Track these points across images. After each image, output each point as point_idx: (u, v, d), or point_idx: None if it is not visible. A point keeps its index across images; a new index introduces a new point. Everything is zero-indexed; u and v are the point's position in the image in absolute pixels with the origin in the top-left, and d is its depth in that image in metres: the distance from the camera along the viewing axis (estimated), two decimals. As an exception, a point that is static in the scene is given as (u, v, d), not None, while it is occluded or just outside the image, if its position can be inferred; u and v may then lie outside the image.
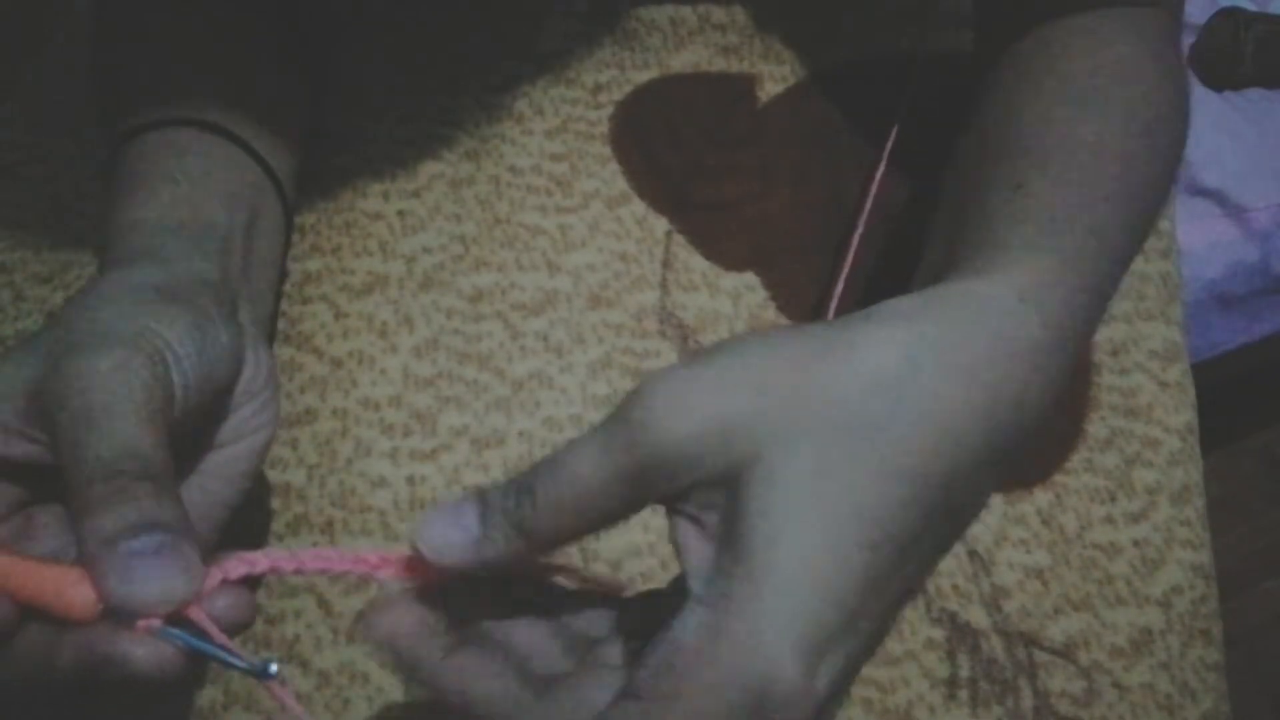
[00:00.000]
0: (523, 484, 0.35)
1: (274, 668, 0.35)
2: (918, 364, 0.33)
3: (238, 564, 0.37)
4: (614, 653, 0.37)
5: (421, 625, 0.36)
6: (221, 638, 0.35)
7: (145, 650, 0.33)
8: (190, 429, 0.41)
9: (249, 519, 0.53)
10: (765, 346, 0.34)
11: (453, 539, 0.35)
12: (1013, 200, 0.44)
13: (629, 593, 0.41)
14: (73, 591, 0.34)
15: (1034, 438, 0.37)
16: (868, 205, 0.61)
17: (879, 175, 0.62)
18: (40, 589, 0.34)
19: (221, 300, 0.44)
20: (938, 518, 0.34)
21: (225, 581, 0.36)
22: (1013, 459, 0.36)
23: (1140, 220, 0.46)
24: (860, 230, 0.60)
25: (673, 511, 0.34)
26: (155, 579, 0.33)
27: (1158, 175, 0.48)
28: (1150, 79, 0.50)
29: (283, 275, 0.57)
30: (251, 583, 0.37)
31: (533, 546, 0.35)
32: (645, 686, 0.32)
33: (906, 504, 0.33)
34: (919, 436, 0.33)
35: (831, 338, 0.34)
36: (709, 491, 0.33)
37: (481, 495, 0.35)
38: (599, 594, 0.40)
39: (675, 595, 0.34)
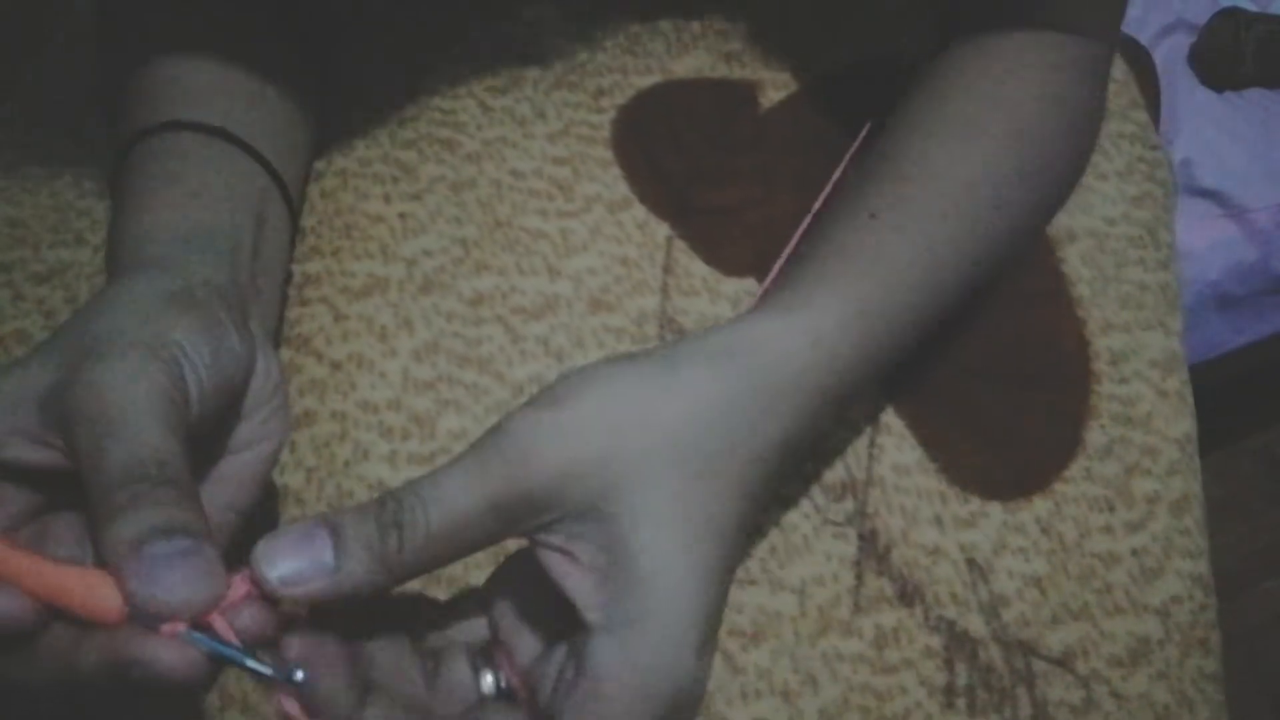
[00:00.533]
0: (386, 516, 0.36)
1: (300, 674, 0.35)
2: (738, 404, 0.40)
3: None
4: (462, 668, 0.40)
5: (337, 676, 0.36)
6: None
7: (172, 654, 0.33)
8: (204, 435, 0.41)
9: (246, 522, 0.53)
10: (612, 387, 0.39)
11: (304, 570, 0.35)
12: (862, 229, 0.48)
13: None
14: (100, 594, 0.34)
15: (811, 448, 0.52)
16: (824, 193, 0.62)
17: (843, 166, 0.63)
18: (67, 591, 0.34)
19: (232, 305, 0.44)
20: (750, 517, 0.40)
21: (250, 595, 0.36)
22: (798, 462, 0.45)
23: (988, 256, 0.51)
24: (810, 218, 0.62)
25: (538, 545, 0.38)
26: (180, 583, 0.34)
27: (1026, 210, 0.52)
28: (1040, 118, 0.52)
29: (287, 281, 0.57)
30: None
31: (396, 578, 0.36)
32: (574, 717, 0.35)
33: (741, 513, 0.39)
34: (741, 461, 0.39)
35: (669, 380, 0.39)
36: (574, 524, 0.37)
37: (331, 523, 0.36)
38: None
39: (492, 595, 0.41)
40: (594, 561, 0.37)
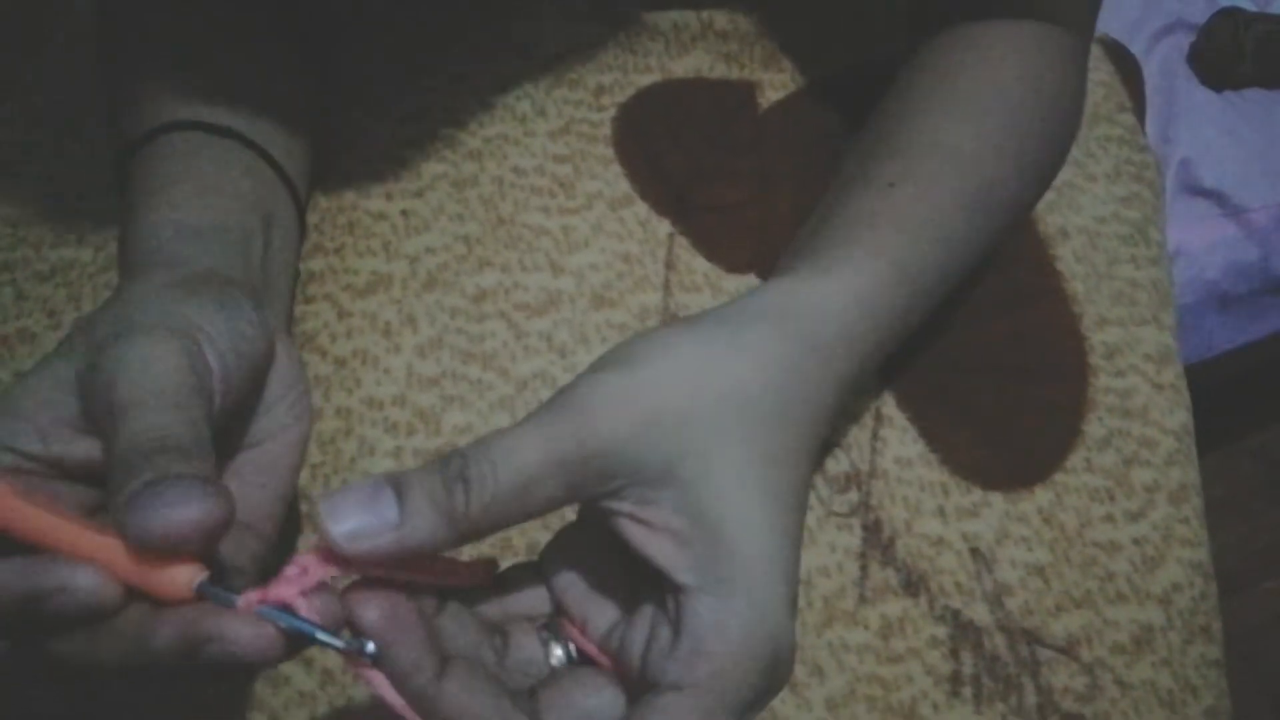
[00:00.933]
0: (453, 470, 0.35)
1: (371, 646, 0.35)
2: (800, 364, 0.40)
3: (320, 563, 0.36)
4: (531, 641, 0.40)
5: (415, 645, 0.36)
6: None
7: (250, 630, 0.33)
8: (237, 410, 0.41)
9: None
10: (681, 350, 0.39)
11: (369, 526, 0.34)
12: (879, 198, 0.49)
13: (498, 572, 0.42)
14: (171, 569, 0.34)
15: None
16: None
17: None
18: (139, 568, 0.34)
19: (245, 291, 0.44)
20: (811, 475, 0.41)
21: (322, 584, 0.35)
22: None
23: (992, 224, 0.52)
24: None
25: (610, 514, 0.37)
26: (166, 505, 0.33)
27: (1022, 186, 0.54)
28: (1032, 99, 0.54)
29: (296, 279, 0.57)
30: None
31: (461, 536, 0.35)
32: (684, 677, 0.35)
33: (807, 470, 0.40)
34: (804, 419, 0.40)
35: (735, 341, 0.40)
36: (645, 489, 0.36)
37: (396, 480, 0.35)
38: (474, 581, 0.40)
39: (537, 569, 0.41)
40: (670, 524, 0.36)
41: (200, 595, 0.34)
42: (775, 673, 0.36)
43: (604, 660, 0.38)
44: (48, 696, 0.39)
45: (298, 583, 0.35)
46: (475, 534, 0.36)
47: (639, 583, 0.38)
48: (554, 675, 0.39)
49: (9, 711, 0.44)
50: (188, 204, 0.48)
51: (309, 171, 0.58)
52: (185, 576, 0.34)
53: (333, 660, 0.51)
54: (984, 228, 0.52)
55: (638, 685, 0.37)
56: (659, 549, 0.36)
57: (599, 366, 0.38)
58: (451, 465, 0.35)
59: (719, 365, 0.38)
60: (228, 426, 0.41)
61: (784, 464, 0.38)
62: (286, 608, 0.34)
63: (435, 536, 0.35)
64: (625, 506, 0.36)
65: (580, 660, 0.40)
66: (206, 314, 0.40)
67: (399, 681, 0.35)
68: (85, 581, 0.33)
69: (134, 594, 0.34)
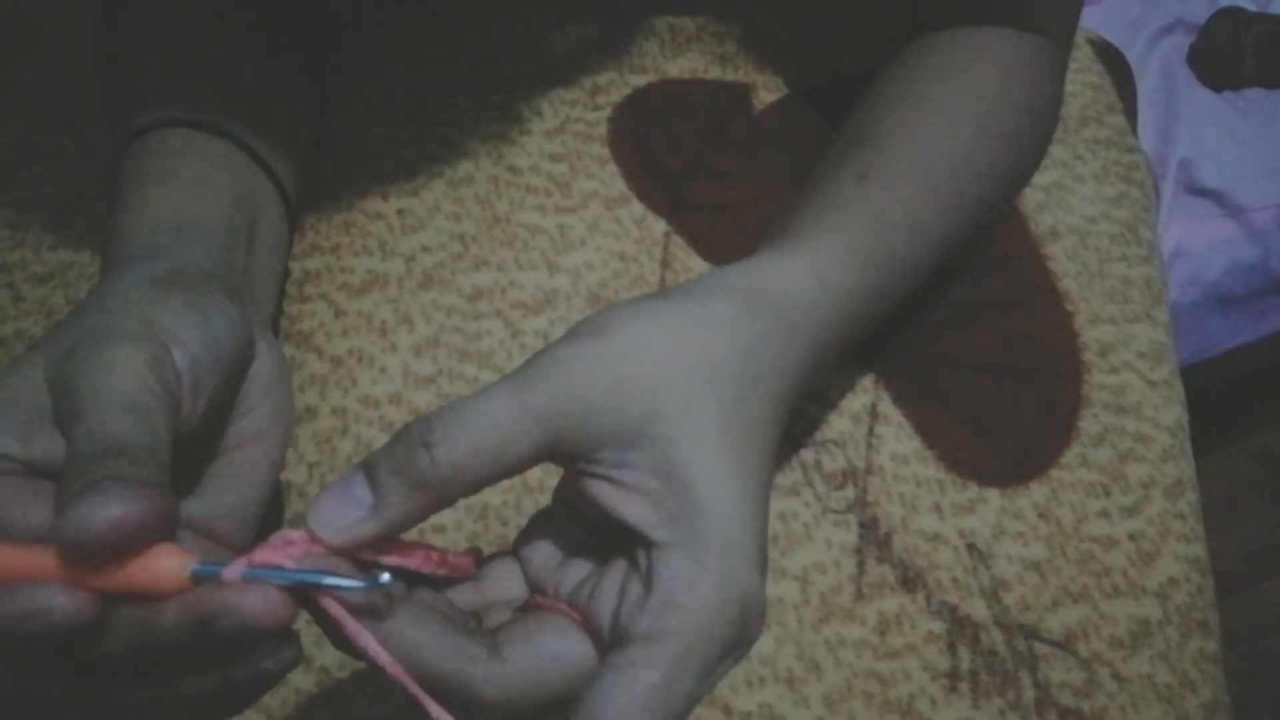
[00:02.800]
0: (414, 436, 0.35)
1: (386, 576, 0.35)
2: (765, 336, 0.41)
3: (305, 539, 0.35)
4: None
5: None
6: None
7: (253, 595, 0.33)
8: (214, 412, 0.41)
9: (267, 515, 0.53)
10: (652, 319, 0.39)
11: (347, 513, 0.35)
12: (851, 189, 0.50)
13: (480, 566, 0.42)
14: (162, 563, 0.33)
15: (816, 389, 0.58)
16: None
17: None
18: (125, 572, 0.33)
19: (225, 289, 0.44)
20: (777, 445, 0.42)
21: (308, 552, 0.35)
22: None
23: (962, 219, 0.53)
24: None
25: (583, 475, 0.38)
26: (101, 505, 0.32)
27: (996, 183, 0.55)
28: (1010, 101, 0.55)
29: (284, 278, 0.57)
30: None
31: (434, 498, 0.36)
32: (654, 628, 0.35)
33: (773, 440, 0.41)
34: (769, 390, 0.41)
35: (703, 313, 0.41)
36: (619, 452, 0.37)
37: (365, 463, 0.36)
38: (461, 570, 0.40)
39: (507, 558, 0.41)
40: (643, 485, 0.37)
41: (197, 580, 0.33)
42: (745, 628, 0.37)
43: (574, 614, 0.38)
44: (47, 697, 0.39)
45: (284, 550, 0.35)
46: (450, 494, 0.36)
47: (608, 552, 0.39)
48: (519, 617, 0.39)
49: (9, 711, 0.43)
50: (172, 198, 0.48)
51: (301, 170, 0.58)
52: (175, 565, 0.33)
53: (332, 659, 0.51)
54: (955, 222, 0.52)
55: (607, 641, 0.37)
56: (632, 508, 0.37)
57: (571, 335, 0.39)
58: (412, 431, 0.36)
59: (690, 335, 0.39)
60: (206, 430, 0.41)
61: (751, 431, 0.39)
62: (276, 568, 0.34)
63: (409, 505, 0.35)
64: (600, 469, 0.37)
65: None
66: (179, 317, 0.40)
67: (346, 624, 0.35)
68: (48, 600, 0.32)
69: (118, 598, 0.33)
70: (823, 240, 0.47)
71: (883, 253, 0.48)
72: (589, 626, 0.38)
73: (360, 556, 0.36)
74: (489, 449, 0.35)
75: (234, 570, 0.33)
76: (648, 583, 0.36)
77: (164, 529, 0.34)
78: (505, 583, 0.41)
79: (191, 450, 0.41)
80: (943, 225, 0.52)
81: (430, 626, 0.36)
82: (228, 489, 0.42)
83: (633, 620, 0.36)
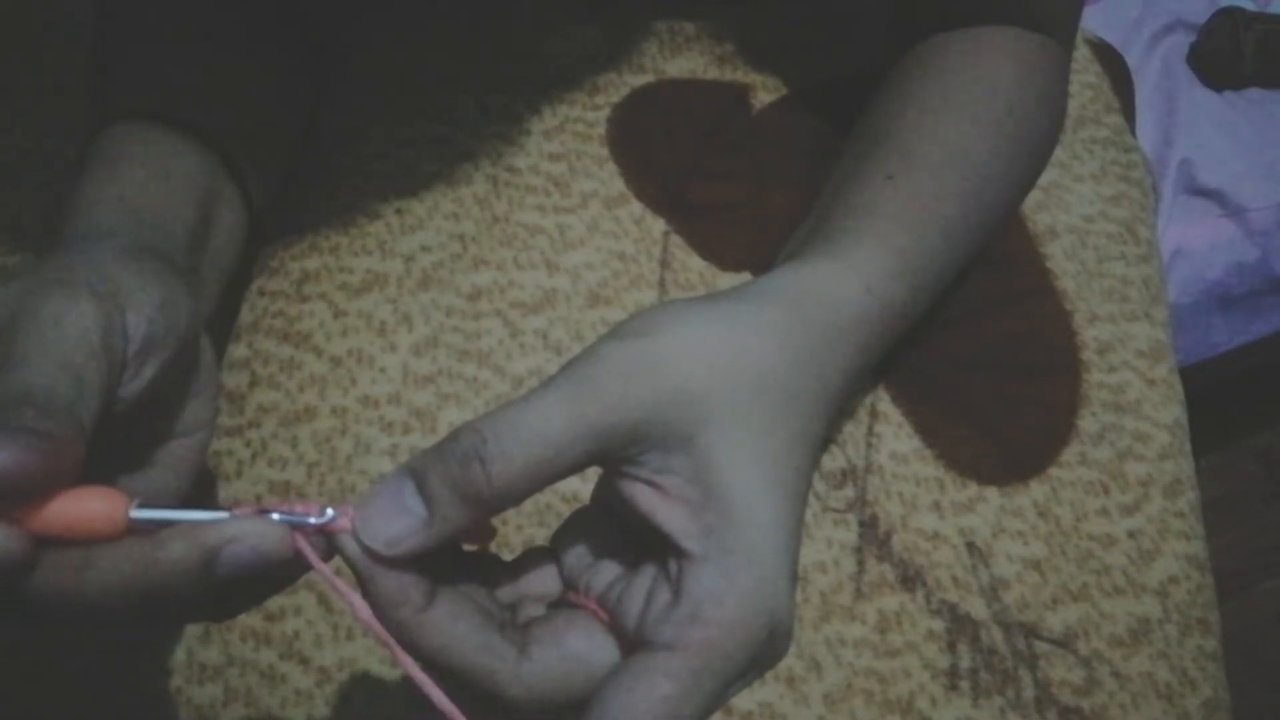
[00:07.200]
0: (464, 449, 0.35)
1: (330, 512, 0.34)
2: (813, 346, 0.41)
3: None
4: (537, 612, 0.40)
5: (398, 587, 0.35)
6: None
7: (259, 525, 0.33)
8: (164, 387, 0.41)
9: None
10: (702, 322, 0.39)
11: (402, 527, 0.35)
12: (882, 190, 0.50)
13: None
14: (95, 505, 0.33)
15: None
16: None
17: None
18: (60, 511, 0.33)
19: (178, 273, 0.43)
20: (818, 457, 0.42)
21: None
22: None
23: (985, 217, 0.53)
24: None
25: (624, 477, 0.37)
26: (5, 447, 0.31)
27: (1011, 185, 0.55)
28: (1022, 100, 0.55)
29: (230, 279, 0.56)
30: None
31: (486, 512, 0.35)
32: (677, 639, 0.35)
33: (814, 452, 0.40)
34: (814, 401, 0.40)
35: (755, 319, 0.40)
36: (662, 456, 0.36)
37: (414, 470, 0.35)
38: (477, 539, 0.40)
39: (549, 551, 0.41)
40: (683, 493, 0.36)
41: (133, 527, 0.33)
42: (770, 648, 0.36)
43: (602, 614, 0.38)
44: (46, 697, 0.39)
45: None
46: (501, 509, 0.35)
47: (641, 553, 0.38)
48: (548, 615, 0.39)
49: (9, 711, 0.44)
50: (136, 187, 0.47)
51: (280, 171, 0.57)
52: (112, 507, 0.33)
53: (330, 659, 0.51)
54: (978, 224, 0.52)
55: (631, 644, 0.37)
56: (669, 515, 0.36)
57: (621, 334, 0.38)
58: (463, 442, 0.35)
59: (739, 342, 0.38)
60: (157, 406, 0.41)
61: (792, 448, 0.38)
62: (260, 513, 0.34)
63: (463, 519, 0.35)
64: (643, 473, 0.37)
65: None
66: (143, 280, 0.39)
67: (384, 612, 0.35)
68: None
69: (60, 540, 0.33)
70: (866, 248, 0.47)
71: (918, 258, 0.48)
72: (615, 627, 0.38)
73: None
74: (543, 463, 0.35)
75: (178, 514, 0.33)
76: (676, 592, 0.36)
77: (59, 483, 0.33)
78: (543, 577, 0.41)
79: (143, 425, 0.41)
80: (969, 226, 0.52)
81: (466, 620, 0.36)
82: (167, 475, 0.42)
83: (657, 628, 0.35)
